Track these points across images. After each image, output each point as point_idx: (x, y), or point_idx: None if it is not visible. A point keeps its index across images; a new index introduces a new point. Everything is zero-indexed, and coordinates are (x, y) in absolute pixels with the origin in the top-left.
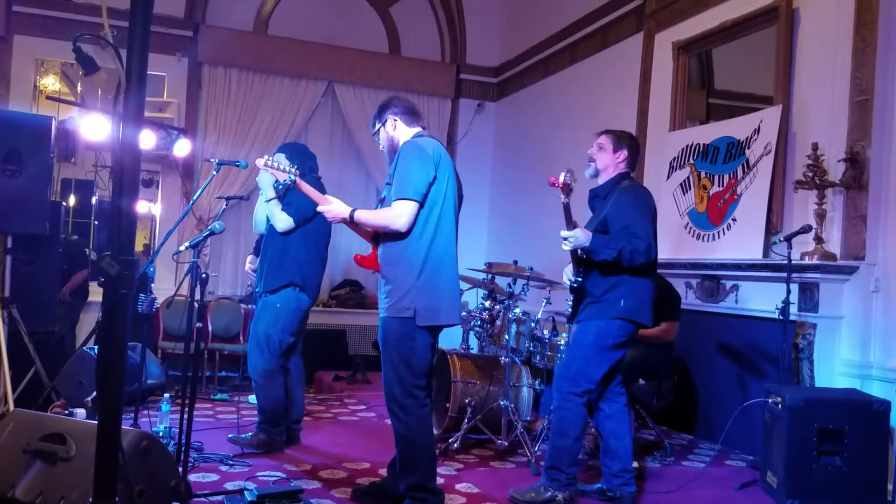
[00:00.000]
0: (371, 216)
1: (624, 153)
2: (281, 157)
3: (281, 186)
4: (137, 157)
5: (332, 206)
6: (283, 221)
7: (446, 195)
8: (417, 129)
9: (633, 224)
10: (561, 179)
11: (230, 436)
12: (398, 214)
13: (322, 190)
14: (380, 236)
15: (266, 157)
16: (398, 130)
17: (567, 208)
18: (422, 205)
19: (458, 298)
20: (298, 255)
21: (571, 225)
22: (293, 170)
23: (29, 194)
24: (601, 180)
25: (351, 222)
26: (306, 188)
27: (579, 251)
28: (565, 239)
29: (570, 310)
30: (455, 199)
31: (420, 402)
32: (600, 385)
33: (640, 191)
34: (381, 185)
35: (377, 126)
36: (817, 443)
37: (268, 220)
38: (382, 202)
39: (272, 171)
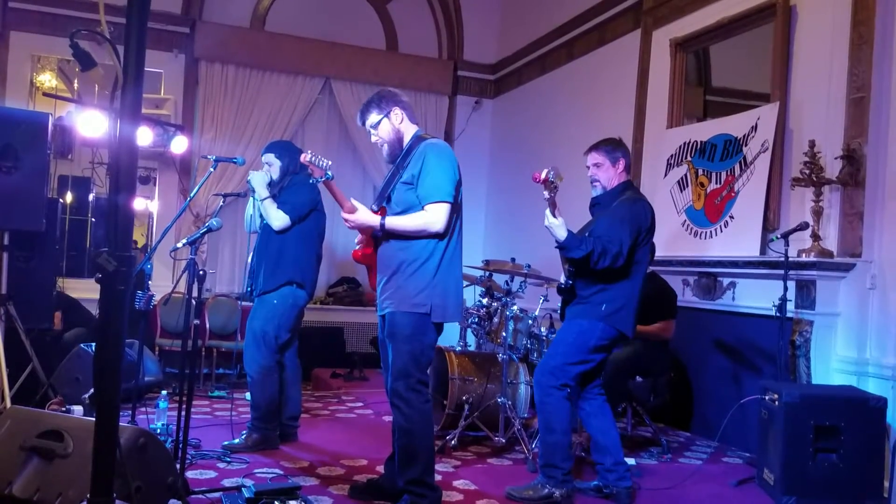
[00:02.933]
0: (405, 223)
1: (622, 162)
2: (270, 156)
3: (318, 182)
4: (134, 153)
5: (358, 216)
6: (280, 220)
7: (460, 196)
8: (416, 127)
9: (612, 235)
10: (543, 175)
11: (224, 443)
12: (436, 218)
13: (314, 188)
14: (382, 235)
15: (309, 153)
16: (404, 124)
17: (552, 204)
18: (452, 206)
19: (462, 296)
20: (296, 253)
21: (554, 209)
22: (328, 164)
23: (25, 191)
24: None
25: (381, 231)
26: (335, 190)
27: (554, 244)
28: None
29: (559, 310)
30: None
31: (423, 397)
32: (577, 382)
33: (637, 205)
34: (379, 182)
35: (378, 116)
36: (814, 439)
37: (262, 218)
38: (383, 201)
39: (312, 166)
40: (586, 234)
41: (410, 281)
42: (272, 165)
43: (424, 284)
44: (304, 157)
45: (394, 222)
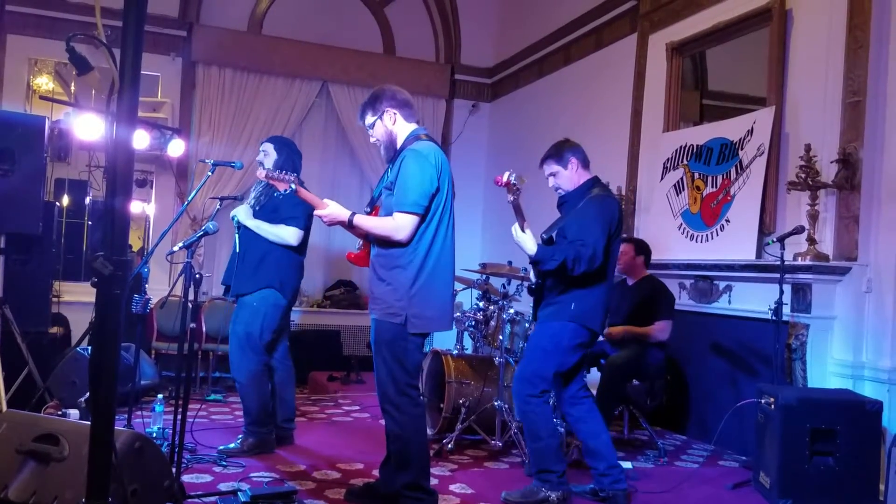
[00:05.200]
0: (371, 224)
1: (573, 161)
2: (269, 146)
3: (281, 196)
4: (131, 157)
5: (330, 210)
6: (293, 235)
7: (446, 203)
8: (414, 125)
9: (585, 237)
10: (504, 178)
11: (220, 447)
12: (399, 227)
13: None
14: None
15: (266, 170)
16: (397, 125)
17: (516, 207)
18: (423, 217)
19: (451, 305)
20: (278, 259)
21: (522, 220)
22: (293, 178)
23: (22, 194)
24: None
25: (349, 226)
26: (305, 195)
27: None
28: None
29: (531, 310)
30: (452, 202)
31: (414, 401)
32: (556, 384)
33: (605, 203)
34: (375, 185)
35: (372, 118)
36: (810, 443)
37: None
38: (375, 201)
39: (273, 181)
40: (555, 233)
41: (388, 289)
42: (268, 155)
43: (401, 294)
44: (261, 174)
45: (361, 221)
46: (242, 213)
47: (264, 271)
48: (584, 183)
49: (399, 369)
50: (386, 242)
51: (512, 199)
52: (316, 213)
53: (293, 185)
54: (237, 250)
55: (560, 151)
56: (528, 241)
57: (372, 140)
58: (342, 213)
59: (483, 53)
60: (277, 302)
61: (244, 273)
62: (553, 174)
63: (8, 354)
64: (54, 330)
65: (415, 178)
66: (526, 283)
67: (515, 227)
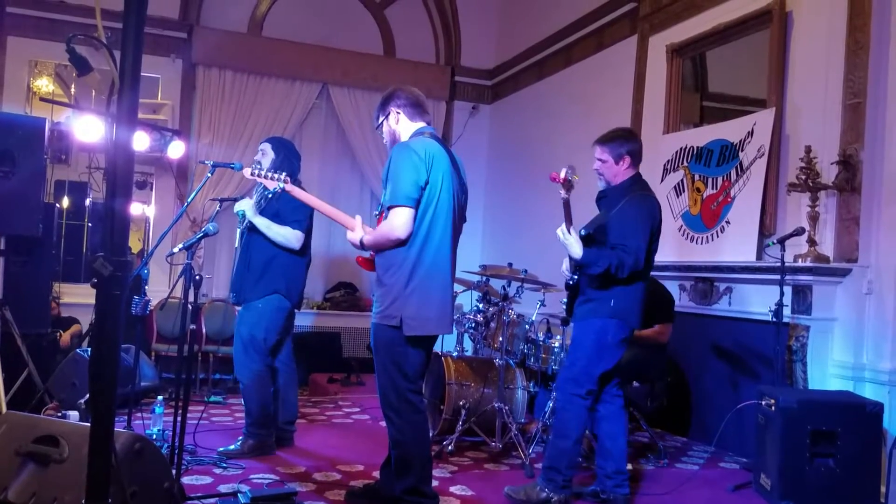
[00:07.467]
0: (372, 238)
1: (627, 159)
2: (267, 146)
3: (272, 194)
4: (131, 158)
5: (351, 235)
6: (295, 237)
7: (440, 198)
8: (421, 124)
9: (627, 240)
10: (562, 175)
11: (220, 449)
12: (394, 225)
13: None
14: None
15: (252, 167)
16: (401, 124)
17: (567, 205)
18: (416, 209)
19: (451, 306)
20: (283, 263)
21: (569, 223)
22: (282, 176)
23: (22, 196)
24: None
25: (362, 247)
26: (299, 194)
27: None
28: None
29: (564, 307)
30: (452, 200)
31: (415, 408)
32: (599, 384)
33: (647, 203)
34: (376, 188)
35: (380, 119)
36: (810, 445)
37: (244, 225)
38: (382, 205)
39: (262, 179)
40: (593, 230)
41: (386, 290)
42: (265, 154)
43: (395, 295)
44: (247, 172)
45: (367, 240)
46: (249, 209)
47: (269, 277)
48: (626, 180)
49: (398, 375)
50: (389, 245)
51: (565, 195)
52: (348, 235)
53: (281, 184)
54: (240, 256)
55: (621, 144)
56: (575, 245)
57: (384, 142)
58: (355, 238)
59: (483, 55)
60: (282, 305)
61: (249, 280)
62: (602, 161)
63: (8, 356)
64: (75, 329)
65: (399, 171)
66: (564, 273)
67: (562, 229)
